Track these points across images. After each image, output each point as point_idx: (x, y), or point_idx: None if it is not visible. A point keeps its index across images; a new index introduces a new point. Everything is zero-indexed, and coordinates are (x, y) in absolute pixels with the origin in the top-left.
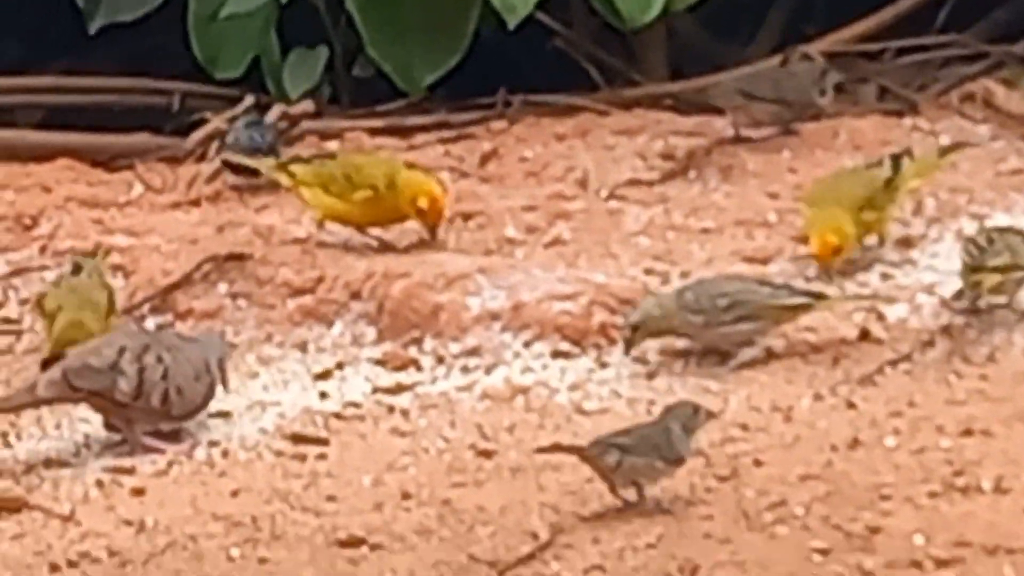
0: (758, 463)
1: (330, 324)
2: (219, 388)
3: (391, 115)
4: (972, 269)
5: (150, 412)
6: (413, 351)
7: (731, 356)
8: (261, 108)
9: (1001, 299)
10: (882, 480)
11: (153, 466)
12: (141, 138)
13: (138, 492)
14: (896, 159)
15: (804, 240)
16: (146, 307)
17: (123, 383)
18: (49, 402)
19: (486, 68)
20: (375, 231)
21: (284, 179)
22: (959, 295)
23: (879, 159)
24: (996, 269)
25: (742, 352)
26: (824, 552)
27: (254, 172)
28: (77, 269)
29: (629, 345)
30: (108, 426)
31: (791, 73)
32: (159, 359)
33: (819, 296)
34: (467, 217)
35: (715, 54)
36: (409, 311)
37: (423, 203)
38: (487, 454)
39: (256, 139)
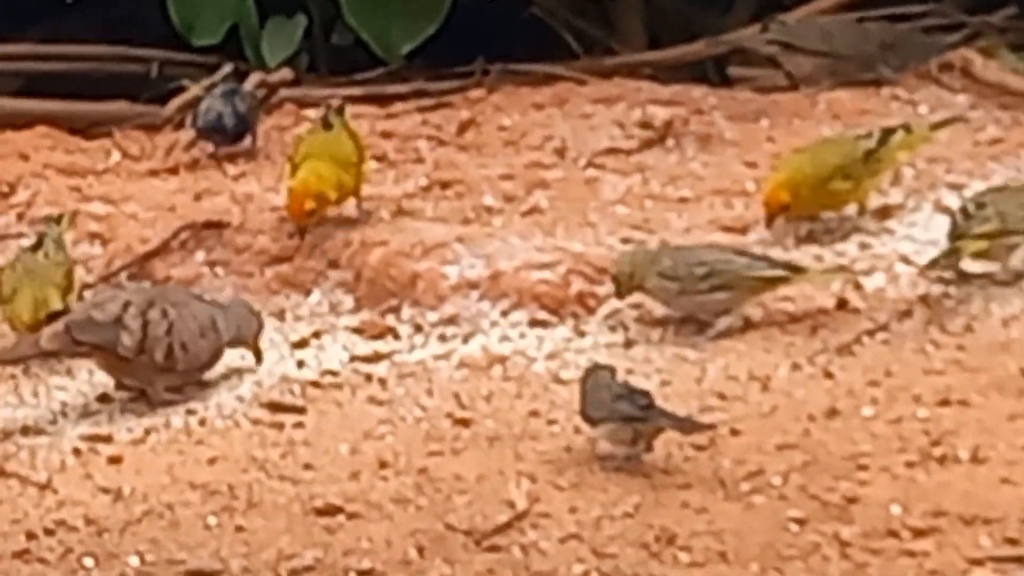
0: (735, 432)
1: (308, 292)
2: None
3: (369, 83)
4: (955, 236)
5: (154, 367)
6: (391, 319)
7: (709, 325)
8: (239, 76)
9: (993, 265)
10: (859, 450)
11: (130, 434)
12: (119, 106)
13: (115, 460)
14: (887, 132)
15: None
16: (123, 275)
17: (126, 337)
18: (52, 354)
19: (464, 36)
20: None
21: None
22: (934, 263)
23: (868, 131)
24: (982, 236)
25: (719, 321)
26: (801, 521)
27: (231, 142)
28: (38, 244)
29: (620, 297)
30: (120, 386)
31: (842, 25)
32: (164, 314)
33: (796, 269)
34: (445, 185)
35: (693, 22)
36: (387, 279)
37: (284, 199)
38: (464, 423)
39: (233, 108)
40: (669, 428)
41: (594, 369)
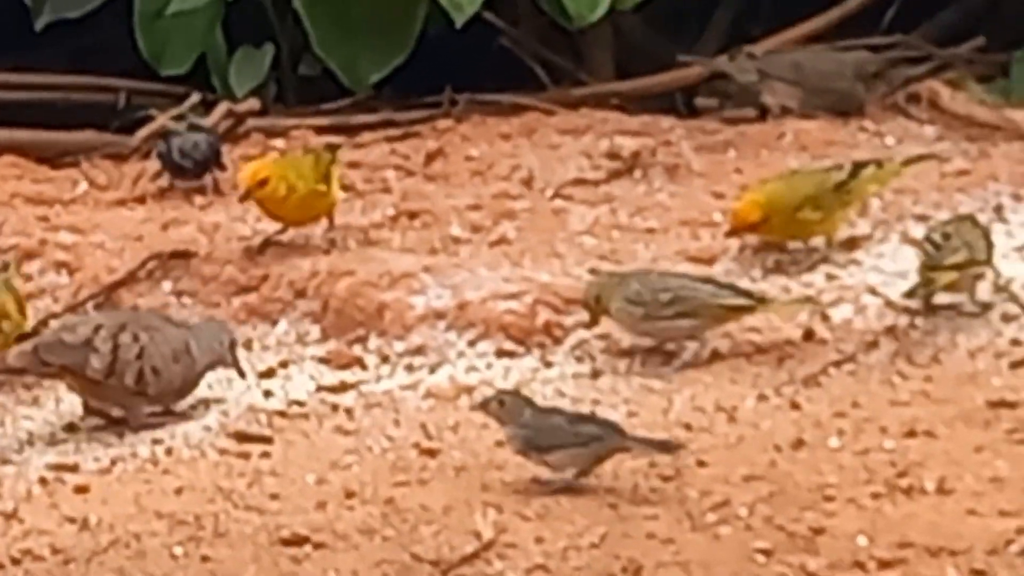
0: (702, 463)
1: (275, 322)
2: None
3: (337, 113)
4: (928, 268)
5: (125, 391)
6: (357, 349)
7: (676, 356)
8: (207, 106)
9: (960, 296)
10: (825, 481)
11: (97, 463)
12: (86, 135)
13: (81, 490)
14: (859, 165)
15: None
16: (90, 304)
17: (95, 360)
18: (19, 372)
19: (432, 66)
20: (318, 230)
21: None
22: (912, 293)
23: (839, 163)
24: (953, 267)
25: (686, 351)
26: (767, 552)
27: (197, 175)
28: None
29: (592, 319)
30: (88, 411)
31: (817, 57)
32: (135, 338)
33: (761, 299)
34: (412, 216)
35: (661, 54)
36: (354, 309)
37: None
38: (431, 453)
39: (199, 140)
40: (637, 449)
41: (505, 395)
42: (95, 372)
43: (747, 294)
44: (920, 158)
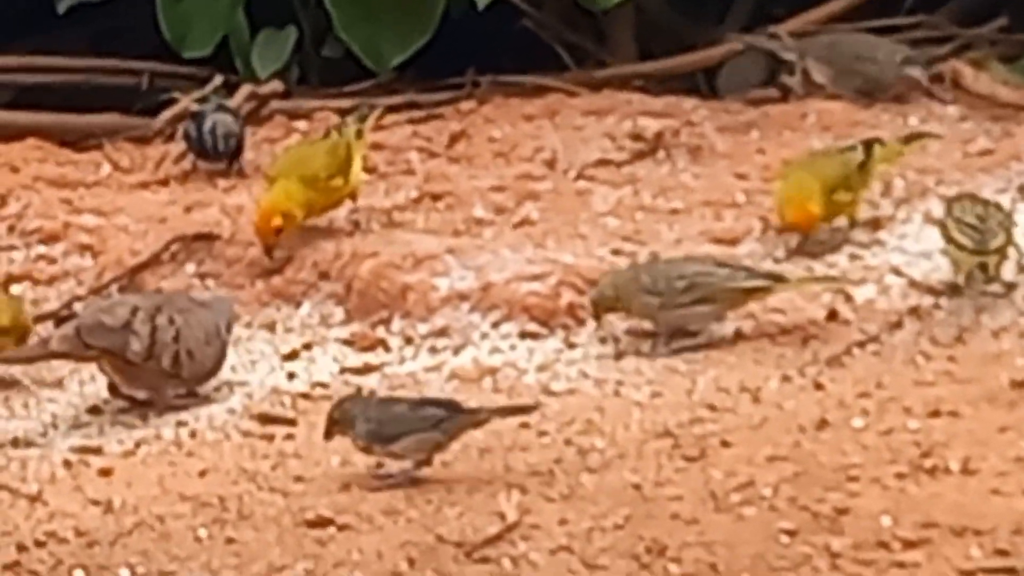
0: (726, 444)
1: (298, 304)
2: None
3: (360, 95)
4: (977, 252)
5: (161, 373)
6: (381, 331)
7: (698, 336)
8: (230, 88)
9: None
10: (850, 461)
11: (121, 446)
12: (109, 118)
13: (105, 472)
14: (868, 144)
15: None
16: (114, 287)
17: (135, 342)
18: (62, 356)
19: (455, 48)
20: (342, 212)
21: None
22: (968, 279)
23: (852, 143)
24: (998, 250)
25: (710, 331)
26: (791, 533)
27: (227, 158)
28: None
29: (596, 319)
30: (114, 392)
31: (848, 41)
32: (171, 320)
33: (778, 278)
34: (436, 197)
35: (684, 34)
36: (377, 291)
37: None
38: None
39: (226, 122)
40: (490, 417)
41: (344, 401)
42: (135, 355)
43: (764, 275)
44: (920, 135)
